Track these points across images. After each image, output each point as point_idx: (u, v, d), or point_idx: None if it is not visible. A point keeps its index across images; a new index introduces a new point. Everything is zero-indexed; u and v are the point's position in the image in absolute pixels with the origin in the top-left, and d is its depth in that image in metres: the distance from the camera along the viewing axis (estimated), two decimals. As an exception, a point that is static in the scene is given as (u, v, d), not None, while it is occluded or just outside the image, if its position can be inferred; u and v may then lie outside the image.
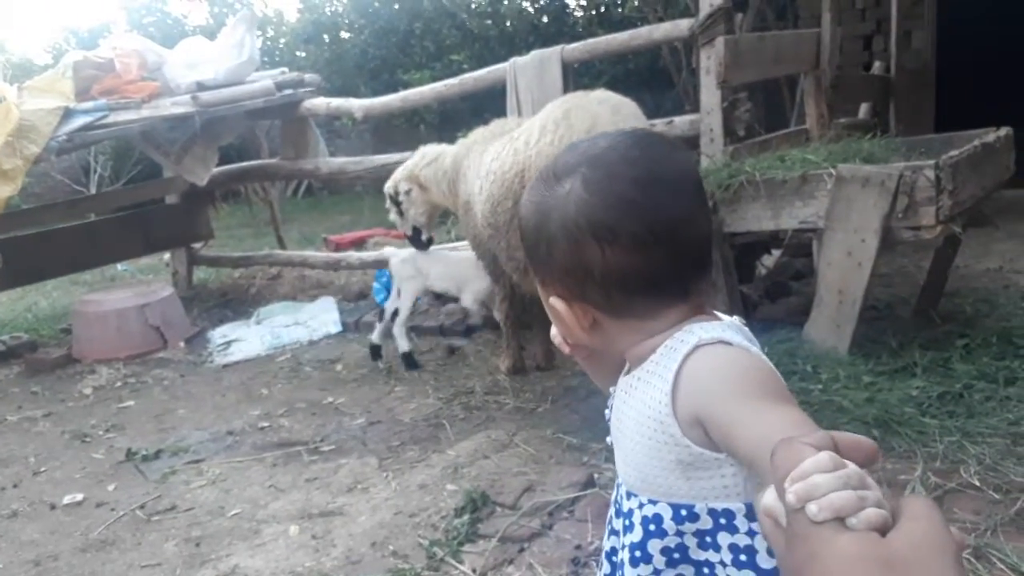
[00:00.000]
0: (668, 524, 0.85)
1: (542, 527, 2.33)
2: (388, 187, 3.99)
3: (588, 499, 2.46)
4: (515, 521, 2.36)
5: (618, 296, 0.84)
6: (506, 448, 2.97)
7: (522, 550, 2.23)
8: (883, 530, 0.51)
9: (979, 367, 2.91)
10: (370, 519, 2.56)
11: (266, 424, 3.54)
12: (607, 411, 0.97)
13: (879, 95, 5.90)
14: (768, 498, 0.58)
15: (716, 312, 0.90)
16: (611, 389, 0.96)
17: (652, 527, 0.85)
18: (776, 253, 4.72)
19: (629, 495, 0.89)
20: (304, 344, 4.72)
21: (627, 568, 0.88)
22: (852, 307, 3.03)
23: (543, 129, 2.97)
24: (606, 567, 0.96)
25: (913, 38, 6.80)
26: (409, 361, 4.04)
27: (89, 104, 4.86)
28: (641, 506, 0.87)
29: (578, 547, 2.20)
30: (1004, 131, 3.37)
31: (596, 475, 2.62)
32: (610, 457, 2.77)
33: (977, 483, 2.25)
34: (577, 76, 5.16)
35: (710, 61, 3.60)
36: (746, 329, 0.88)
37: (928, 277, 3.67)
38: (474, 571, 2.15)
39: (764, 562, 0.81)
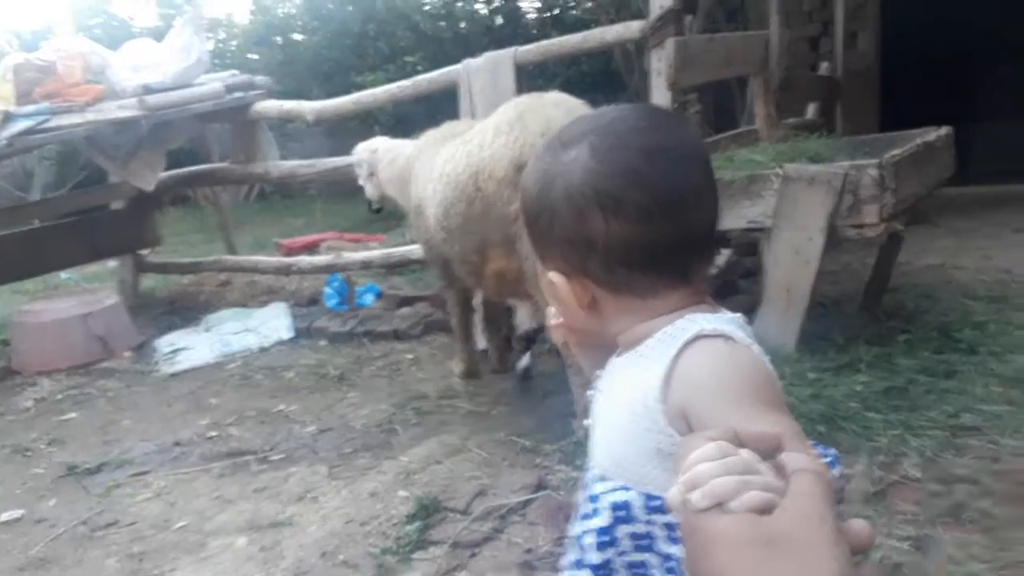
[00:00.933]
0: (638, 512, 0.83)
1: (493, 531, 2.32)
2: (354, 157, 3.97)
3: (540, 501, 2.45)
4: (466, 526, 2.34)
5: (619, 270, 0.82)
6: (459, 452, 2.95)
7: (473, 555, 2.21)
8: (768, 511, 0.51)
9: (920, 361, 2.97)
10: (320, 528, 2.52)
11: (214, 434, 3.47)
12: (590, 392, 0.96)
13: (826, 95, 6.00)
14: (671, 493, 0.58)
15: (719, 306, 0.88)
16: (598, 372, 0.95)
17: (622, 513, 0.84)
18: (726, 252, 4.78)
19: (601, 479, 0.88)
20: (255, 351, 4.64)
21: (593, 553, 0.86)
22: (799, 304, 3.08)
23: (497, 130, 2.95)
24: (575, 552, 0.94)
25: (858, 40, 6.92)
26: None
27: (31, 108, 4.72)
28: (612, 491, 0.85)
29: (529, 551, 2.20)
30: (944, 130, 3.45)
31: (548, 477, 2.62)
32: (563, 459, 2.78)
33: (918, 475, 2.29)
34: (531, 78, 5.16)
35: (660, 63, 3.62)
36: (748, 328, 0.86)
37: (872, 274, 3.74)
38: (424, 578, 2.13)
39: None
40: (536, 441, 2.94)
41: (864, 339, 3.21)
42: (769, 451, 0.56)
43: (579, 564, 0.91)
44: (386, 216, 8.90)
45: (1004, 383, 2.77)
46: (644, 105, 0.89)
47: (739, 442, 0.55)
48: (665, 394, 0.77)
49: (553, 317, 0.99)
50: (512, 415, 3.27)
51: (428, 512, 2.44)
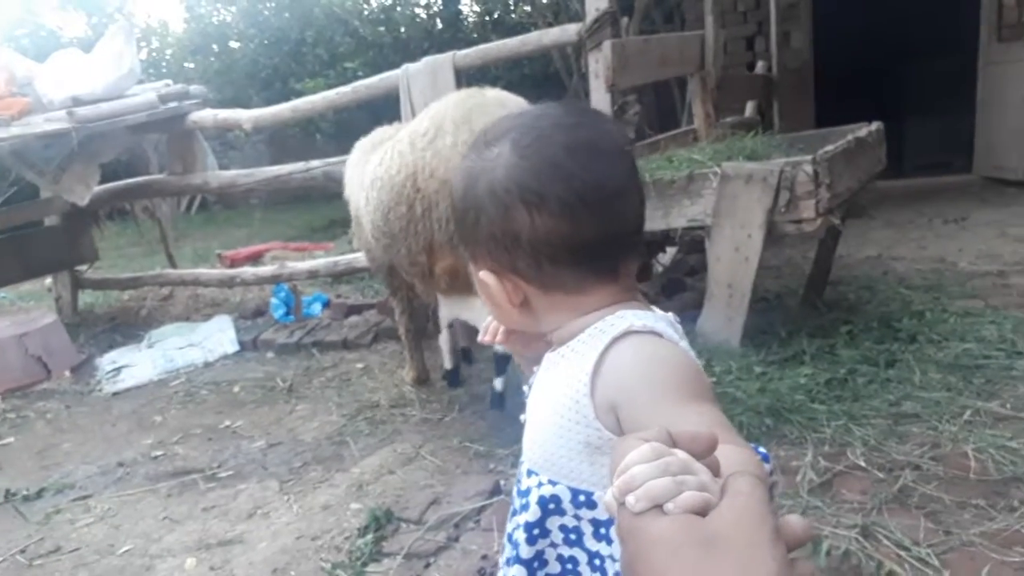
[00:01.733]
0: (567, 506, 0.84)
1: (448, 540, 2.30)
2: None
3: (494, 507, 2.44)
4: (420, 536, 2.32)
5: (547, 266, 0.82)
6: (412, 461, 2.93)
7: (428, 565, 2.19)
8: (705, 512, 0.51)
9: (862, 352, 3.05)
10: (271, 545, 2.47)
11: (160, 453, 3.38)
12: (526, 388, 0.96)
13: (763, 94, 6.12)
14: (607, 495, 0.58)
15: (650, 305, 0.89)
16: (535, 368, 0.94)
17: (551, 506, 0.84)
18: (672, 251, 4.84)
19: (530, 473, 0.88)
20: (199, 366, 4.54)
21: (523, 547, 0.87)
22: (741, 300, 3.13)
23: (440, 129, 2.89)
24: (509, 550, 0.94)
25: (792, 38, 7.09)
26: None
27: (-48, 123, 4.56)
28: (540, 485, 0.85)
29: (484, 557, 2.18)
30: (875, 126, 3.54)
31: (502, 482, 2.61)
32: (517, 463, 2.77)
33: (863, 464, 2.34)
34: (474, 81, 5.13)
35: (598, 65, 3.65)
36: (678, 326, 0.87)
37: (813, 267, 3.82)
38: (379, 591, 2.10)
39: None
40: (489, 446, 2.94)
41: (807, 332, 3.28)
42: (704, 451, 0.56)
43: (510, 559, 0.91)
44: (331, 224, 8.86)
45: (942, 370, 2.85)
46: (568, 102, 0.89)
47: (673, 443, 0.55)
48: (593, 388, 0.78)
49: (485, 333, 0.99)
50: (465, 420, 3.26)
51: (381, 523, 2.41)
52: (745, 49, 7.41)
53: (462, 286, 2.96)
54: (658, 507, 0.51)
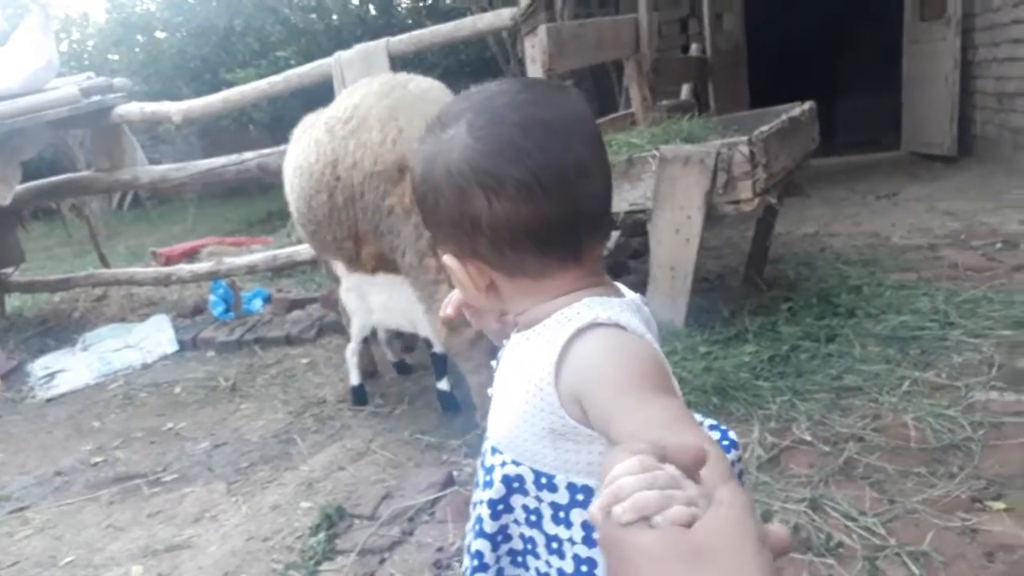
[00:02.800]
0: (529, 487, 0.84)
1: (402, 534, 2.28)
2: None
3: (448, 499, 2.43)
4: (374, 532, 2.30)
5: (508, 251, 0.80)
6: (363, 456, 2.89)
7: (383, 561, 2.17)
8: (691, 525, 0.51)
9: (803, 328, 3.11)
10: (220, 549, 2.42)
11: (99, 459, 3.28)
12: (494, 362, 0.95)
13: (698, 76, 6.19)
14: (593, 505, 0.57)
15: (619, 285, 0.87)
16: (505, 341, 0.94)
17: (515, 485, 0.85)
18: (615, 234, 4.87)
19: (494, 451, 0.88)
20: (138, 368, 4.41)
21: (487, 521, 0.87)
22: (684, 281, 3.16)
23: (364, 122, 2.82)
24: (473, 517, 0.94)
25: (724, 20, 7.18)
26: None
27: None
28: (504, 464, 0.85)
29: (440, 549, 2.17)
30: (808, 105, 3.60)
31: (456, 472, 2.60)
32: (470, 452, 2.77)
33: (809, 438, 2.39)
34: (410, 68, 5.07)
35: (534, 49, 3.62)
36: (646, 309, 0.86)
37: (752, 246, 3.88)
38: (334, 590, 2.07)
39: None
40: (441, 437, 2.92)
41: (749, 310, 3.33)
42: (692, 465, 0.56)
43: (475, 531, 0.92)
44: (268, 217, 8.69)
45: (881, 342, 2.93)
46: (525, 79, 0.87)
47: (663, 456, 0.55)
48: (558, 379, 0.77)
49: (448, 306, 0.97)
50: (415, 413, 3.24)
51: (333, 521, 2.38)
52: (679, 32, 7.48)
53: (389, 267, 2.92)
54: (645, 519, 0.51)
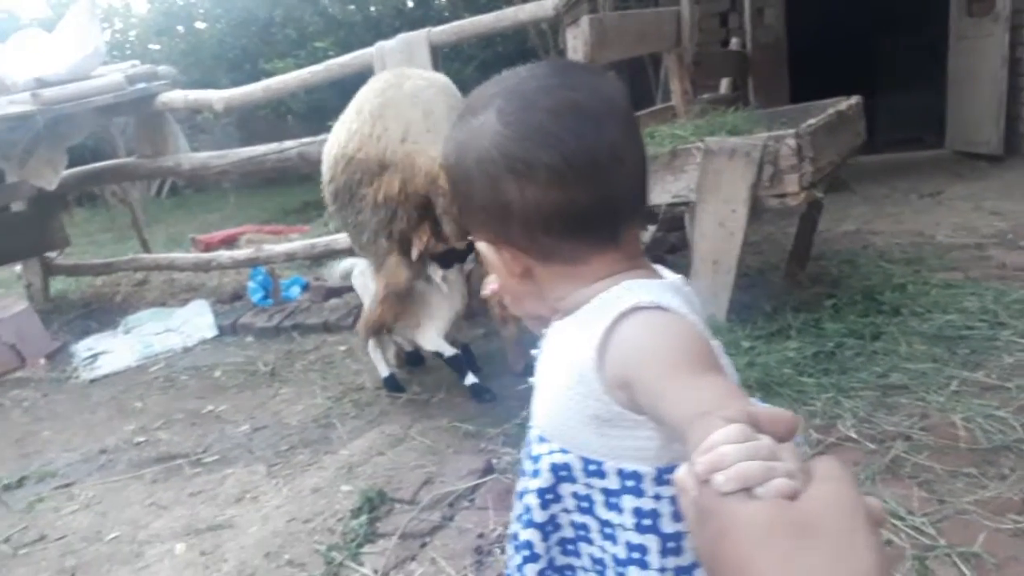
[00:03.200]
0: (578, 474, 0.83)
1: (443, 519, 2.29)
2: None
3: (488, 486, 2.43)
4: (415, 516, 2.31)
5: (542, 238, 0.79)
6: (401, 442, 2.91)
7: (424, 545, 2.18)
8: (794, 499, 0.50)
9: (847, 325, 3.07)
10: (262, 529, 2.45)
11: (142, 439, 3.33)
12: (534, 351, 0.94)
13: (738, 70, 6.13)
14: (681, 471, 0.56)
15: (658, 267, 0.86)
16: (544, 331, 0.93)
17: (563, 473, 0.84)
18: (652, 228, 4.84)
19: (541, 439, 0.87)
20: (178, 352, 4.48)
21: (536, 511, 0.86)
22: (727, 275, 3.13)
23: (359, 113, 2.95)
24: (518, 507, 0.93)
25: (765, 14, 7.09)
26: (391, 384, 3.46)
27: (-88, 106, 4.42)
28: (551, 452, 0.84)
29: (481, 535, 2.18)
30: (855, 99, 3.55)
31: (495, 461, 2.60)
32: (508, 441, 2.77)
33: (854, 435, 2.36)
34: (447, 60, 5.09)
35: (576, 41, 3.61)
36: (686, 289, 0.84)
37: (795, 242, 3.84)
38: (375, 572, 2.09)
39: (667, 526, 0.80)
40: (479, 426, 2.92)
41: (792, 306, 3.30)
42: (785, 434, 0.54)
43: (523, 520, 0.90)
44: (304, 207, 8.76)
45: (927, 341, 2.88)
46: (556, 61, 0.85)
47: (756, 425, 0.54)
48: (601, 364, 0.76)
49: (487, 286, 0.97)
50: (452, 401, 3.24)
51: (374, 505, 2.39)
52: (719, 25, 7.39)
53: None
54: (747, 490, 0.50)
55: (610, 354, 0.75)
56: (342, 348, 4.13)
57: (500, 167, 0.77)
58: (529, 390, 0.94)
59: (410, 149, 2.90)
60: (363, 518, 2.32)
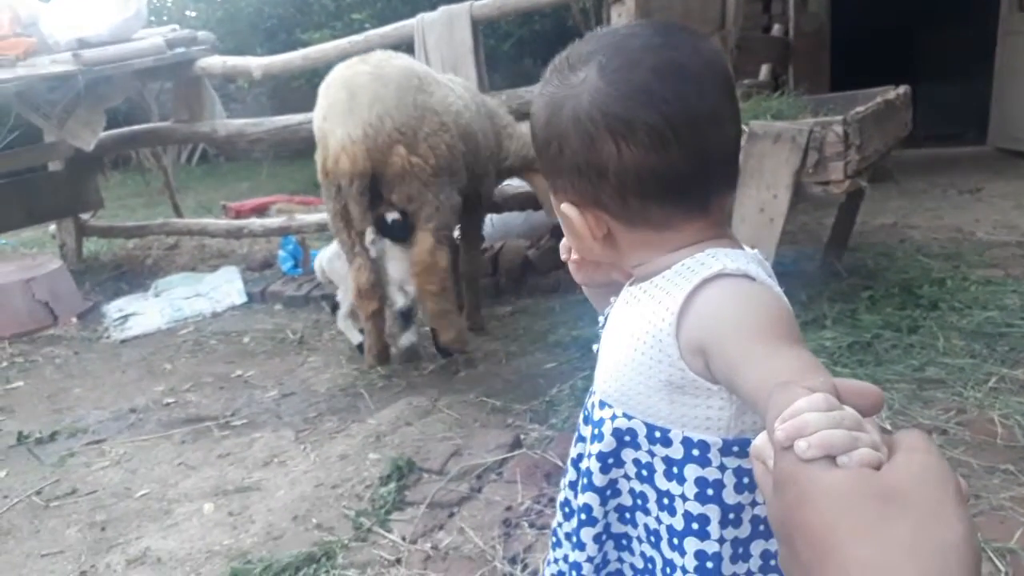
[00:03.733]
0: (641, 440, 0.82)
1: (471, 491, 2.29)
2: None
3: (516, 460, 2.43)
4: (443, 486, 2.31)
5: (633, 201, 0.77)
6: (429, 414, 2.91)
7: (452, 515, 2.19)
8: (879, 470, 0.49)
9: (884, 317, 3.03)
10: (289, 493, 2.46)
11: (171, 400, 3.36)
12: (601, 318, 0.93)
13: (779, 57, 6.03)
14: (759, 440, 0.55)
15: (739, 241, 0.84)
16: (612, 299, 0.91)
17: (627, 439, 0.83)
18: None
19: (603, 405, 0.86)
20: (207, 316, 4.51)
21: (596, 475, 0.85)
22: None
23: (327, 88, 3.12)
24: (571, 473, 0.93)
25: (809, 2, 6.97)
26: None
27: (-44, 62, 4.46)
28: (614, 418, 0.83)
29: (509, 508, 2.18)
30: (903, 89, 3.48)
31: (523, 436, 2.60)
32: (535, 418, 2.77)
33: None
34: (486, 36, 5.05)
35: (621, 19, 3.57)
36: (767, 264, 0.83)
37: (832, 232, 3.79)
38: (403, 539, 2.09)
39: (730, 497, 0.79)
40: (506, 402, 2.92)
41: (827, 296, 3.26)
42: (870, 408, 0.53)
43: (577, 486, 0.90)
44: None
45: (965, 336, 2.83)
46: (656, 21, 0.82)
47: (839, 394, 0.52)
48: (679, 328, 0.75)
49: (566, 252, 0.95)
50: (480, 376, 3.24)
51: (403, 473, 2.40)
52: (762, 11, 7.28)
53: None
54: (830, 458, 0.49)
55: (689, 319, 0.74)
56: (371, 319, 4.13)
57: (599, 126, 0.75)
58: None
59: (326, 128, 3.03)
60: (392, 486, 2.33)
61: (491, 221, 4.43)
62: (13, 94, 4.75)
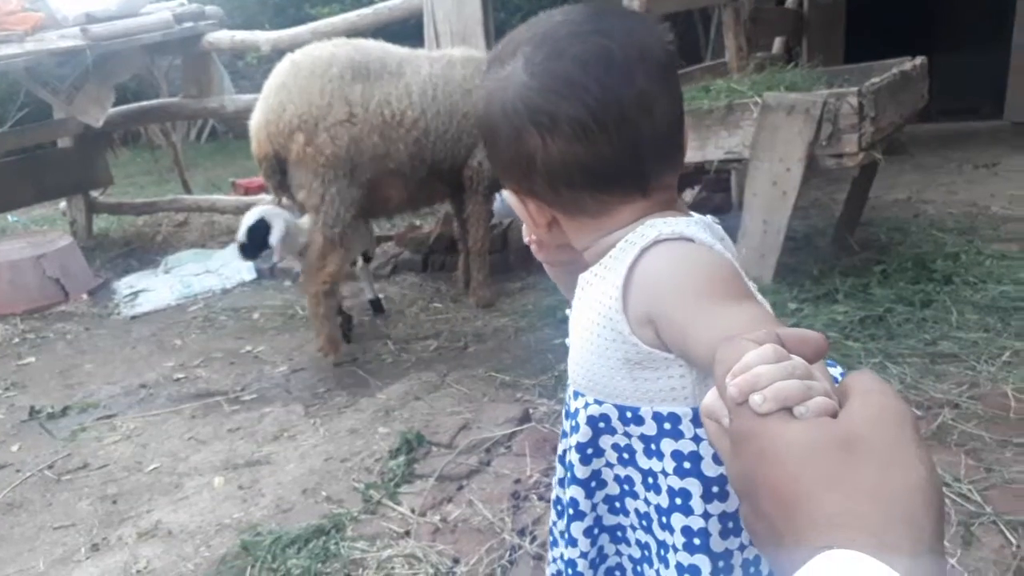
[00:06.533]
0: (615, 424, 0.81)
1: (480, 464, 2.29)
2: None
3: (525, 434, 2.43)
4: (452, 459, 2.31)
5: (565, 191, 0.76)
6: (438, 389, 2.91)
7: (461, 488, 2.19)
8: (835, 417, 0.48)
9: (897, 291, 3.00)
10: (299, 466, 2.47)
11: (181, 376, 3.37)
12: (568, 310, 0.91)
13: (792, 30, 5.95)
14: (709, 398, 0.54)
15: (688, 211, 0.82)
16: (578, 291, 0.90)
17: (601, 425, 0.81)
18: (696, 189, 4.76)
19: (576, 395, 0.85)
20: (217, 293, 4.52)
21: (577, 467, 0.84)
22: (776, 236, 3.06)
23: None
24: (560, 470, 0.92)
25: (823, -26, 6.86)
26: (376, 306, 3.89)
27: (-36, 38, 4.45)
28: (587, 406, 0.82)
29: (517, 481, 2.18)
30: (919, 60, 3.42)
31: (531, 410, 2.59)
32: (544, 392, 2.76)
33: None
34: (493, 11, 4.99)
35: (628, -9, 3.52)
36: (717, 227, 0.81)
37: (845, 206, 3.75)
38: (413, 511, 2.10)
39: (709, 469, 0.77)
40: (515, 376, 2.92)
41: (839, 270, 3.23)
42: (814, 355, 0.51)
43: (565, 481, 0.89)
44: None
45: (979, 311, 2.80)
46: (589, 6, 0.79)
47: (784, 344, 0.51)
48: (625, 303, 0.73)
49: (527, 235, 0.93)
50: (488, 351, 3.24)
51: (412, 446, 2.40)
52: (775, -16, 7.17)
53: None
54: (786, 410, 0.47)
55: (633, 291, 0.73)
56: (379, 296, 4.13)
57: (524, 119, 0.74)
58: (565, 345, 0.92)
59: (255, 114, 3.16)
60: (401, 459, 2.33)
61: (499, 197, 4.41)
62: (22, 69, 4.74)
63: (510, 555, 1.88)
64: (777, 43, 5.75)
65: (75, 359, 3.72)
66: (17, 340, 4.01)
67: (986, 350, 2.54)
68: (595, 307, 0.78)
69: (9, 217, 6.82)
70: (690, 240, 0.72)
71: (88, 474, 2.61)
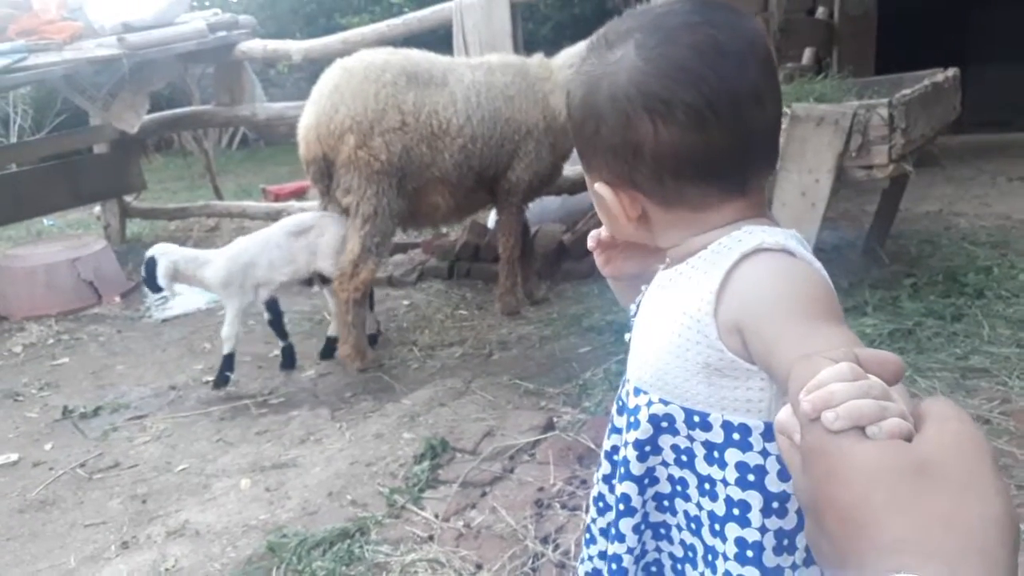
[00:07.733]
0: (680, 426, 0.80)
1: (503, 471, 2.30)
2: None
3: (549, 442, 2.43)
4: (476, 466, 2.32)
5: (670, 181, 0.75)
6: (462, 396, 2.93)
7: (484, 494, 2.20)
8: (909, 440, 0.47)
9: (927, 305, 2.97)
10: (325, 470, 2.49)
11: (210, 378, 3.41)
12: (632, 306, 0.91)
13: (823, 40, 5.91)
14: (784, 413, 0.53)
15: (777, 221, 0.82)
16: (643, 287, 0.89)
17: (664, 424, 0.81)
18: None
19: (638, 391, 0.84)
20: (247, 297, 4.56)
21: (633, 463, 0.83)
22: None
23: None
24: (605, 467, 0.91)
25: (855, -16, 6.82)
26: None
27: (6, 46, 4.56)
28: (650, 404, 0.81)
29: (541, 489, 2.18)
30: (952, 72, 3.39)
31: (555, 419, 2.60)
32: (568, 401, 2.76)
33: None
34: (522, 21, 5.02)
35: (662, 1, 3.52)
36: (806, 243, 0.80)
37: (875, 218, 3.71)
38: (436, 516, 2.11)
39: (773, 485, 0.76)
40: (539, 385, 2.92)
41: (869, 283, 3.20)
42: (892, 378, 0.51)
43: (611, 479, 0.88)
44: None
45: (1012, 325, 2.77)
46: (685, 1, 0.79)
47: (860, 364, 0.50)
48: (717, 308, 0.72)
49: (594, 242, 0.93)
50: (513, 359, 3.25)
51: (436, 452, 2.41)
52: (806, -6, 7.14)
53: None
54: (859, 429, 0.47)
55: (727, 297, 0.72)
56: (405, 303, 4.16)
57: (636, 104, 0.73)
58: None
59: (304, 117, 3.22)
60: (425, 464, 2.35)
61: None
62: (60, 77, 4.85)
63: (532, 562, 1.88)
64: (807, 54, 5.71)
65: (107, 360, 3.78)
66: (52, 341, 4.09)
67: (1018, 365, 2.51)
68: (679, 306, 0.77)
69: (45, 221, 6.96)
70: (791, 254, 0.71)
71: (119, 473, 2.65)
